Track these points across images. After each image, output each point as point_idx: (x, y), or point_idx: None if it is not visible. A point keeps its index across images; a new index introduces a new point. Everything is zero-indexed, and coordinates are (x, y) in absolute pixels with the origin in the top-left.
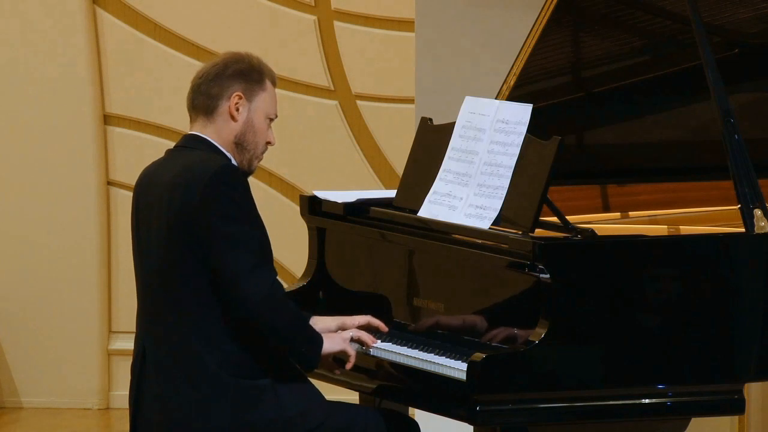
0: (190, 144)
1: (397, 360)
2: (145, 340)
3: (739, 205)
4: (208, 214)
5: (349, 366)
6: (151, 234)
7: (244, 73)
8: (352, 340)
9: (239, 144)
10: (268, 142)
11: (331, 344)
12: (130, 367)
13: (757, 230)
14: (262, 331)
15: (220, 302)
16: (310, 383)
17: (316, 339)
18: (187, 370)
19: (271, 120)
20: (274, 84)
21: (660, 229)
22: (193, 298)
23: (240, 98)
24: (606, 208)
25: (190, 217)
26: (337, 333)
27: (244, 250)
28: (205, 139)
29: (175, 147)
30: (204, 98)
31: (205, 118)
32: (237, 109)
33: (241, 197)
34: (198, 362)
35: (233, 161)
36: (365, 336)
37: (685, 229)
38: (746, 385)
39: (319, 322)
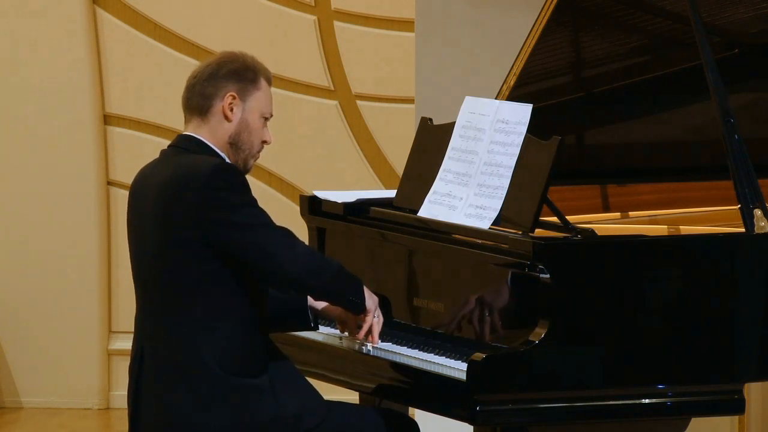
0: (184, 145)
1: (397, 360)
2: (143, 341)
3: (739, 205)
4: (214, 210)
5: (361, 335)
6: (147, 235)
7: (238, 73)
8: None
9: (234, 144)
10: (264, 141)
11: (368, 296)
12: (129, 368)
13: (757, 230)
14: (311, 295)
15: (217, 301)
16: (309, 383)
17: (359, 283)
18: (185, 370)
19: (267, 119)
20: (269, 83)
21: (660, 229)
22: (191, 298)
23: (234, 98)
24: (606, 208)
25: (189, 216)
26: (373, 295)
27: (265, 230)
28: (199, 139)
29: (169, 147)
30: (198, 98)
31: (200, 119)
32: (231, 109)
33: (243, 188)
34: (196, 362)
35: (228, 161)
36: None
37: (685, 229)
38: (746, 385)
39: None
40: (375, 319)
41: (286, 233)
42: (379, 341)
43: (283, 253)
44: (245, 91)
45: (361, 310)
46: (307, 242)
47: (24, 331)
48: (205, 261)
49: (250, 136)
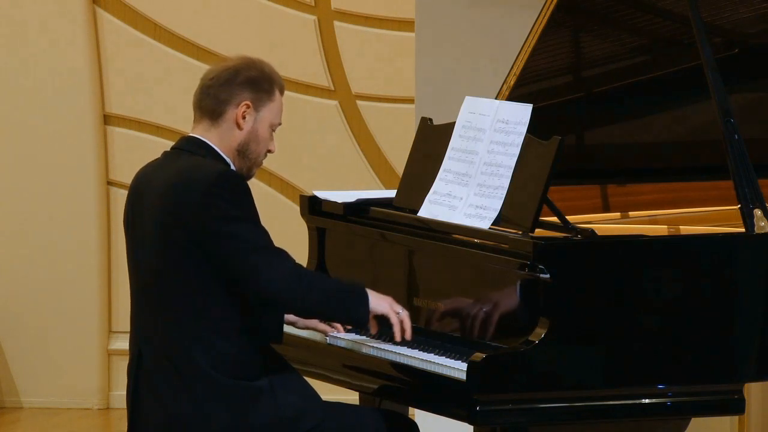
0: (189, 147)
1: (397, 360)
2: (140, 342)
3: (739, 205)
4: (210, 218)
5: (397, 337)
6: (145, 236)
7: (255, 82)
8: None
9: (241, 152)
10: (269, 150)
11: (376, 304)
12: (127, 369)
13: (757, 230)
14: (294, 314)
15: (215, 303)
16: (308, 384)
17: (360, 301)
18: (182, 371)
19: (274, 129)
20: (282, 93)
21: (660, 229)
22: (188, 299)
23: (248, 107)
24: (606, 208)
25: (189, 219)
26: (386, 297)
27: (255, 247)
28: (206, 143)
29: (172, 149)
30: (212, 102)
31: (210, 122)
32: (244, 118)
33: (243, 200)
34: (193, 364)
35: (233, 167)
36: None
37: (685, 229)
38: (746, 385)
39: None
40: (396, 317)
41: (275, 254)
42: (379, 341)
43: (266, 272)
44: (259, 101)
45: (359, 325)
46: (307, 242)
47: (24, 331)
48: (203, 265)
49: (257, 145)
